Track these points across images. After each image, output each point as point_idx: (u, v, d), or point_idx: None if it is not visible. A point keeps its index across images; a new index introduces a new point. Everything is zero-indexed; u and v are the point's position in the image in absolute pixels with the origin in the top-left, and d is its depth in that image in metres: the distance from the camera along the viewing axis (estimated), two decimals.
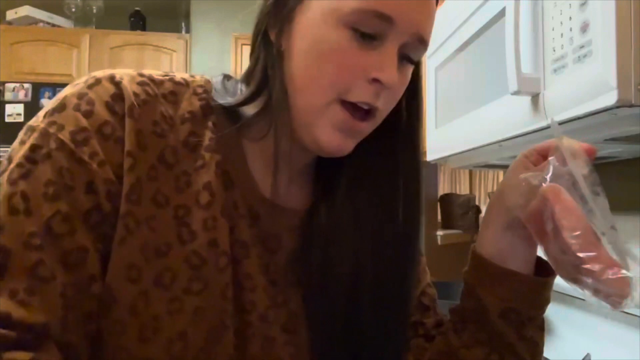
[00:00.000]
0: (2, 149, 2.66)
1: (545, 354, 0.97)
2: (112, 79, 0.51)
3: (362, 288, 0.58)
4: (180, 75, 0.58)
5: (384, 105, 0.54)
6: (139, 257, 0.48)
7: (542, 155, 0.56)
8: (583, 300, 1.06)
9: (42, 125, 0.48)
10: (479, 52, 1.01)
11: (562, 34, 0.72)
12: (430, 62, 1.31)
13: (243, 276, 0.54)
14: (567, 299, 1.13)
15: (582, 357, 0.95)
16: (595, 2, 0.65)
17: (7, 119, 2.73)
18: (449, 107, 1.18)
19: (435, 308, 0.68)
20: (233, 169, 0.54)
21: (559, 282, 1.15)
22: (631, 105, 0.62)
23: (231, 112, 0.55)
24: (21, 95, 2.75)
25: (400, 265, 0.60)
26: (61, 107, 0.49)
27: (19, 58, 3.08)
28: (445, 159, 1.28)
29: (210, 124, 0.55)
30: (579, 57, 0.68)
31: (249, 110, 0.55)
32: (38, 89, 2.74)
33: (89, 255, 0.46)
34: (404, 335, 0.62)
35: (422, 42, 0.54)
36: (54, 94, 2.72)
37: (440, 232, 3.60)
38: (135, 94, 0.51)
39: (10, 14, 3.15)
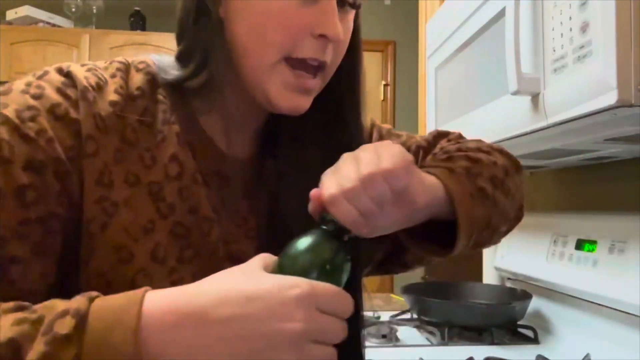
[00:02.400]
0: None
1: (545, 354, 0.97)
2: (59, 69, 0.51)
3: None
4: (118, 58, 0.58)
5: (333, 59, 0.55)
6: (125, 237, 0.49)
7: None
8: (583, 300, 1.06)
9: None
10: (479, 52, 1.01)
11: (562, 34, 0.72)
12: (430, 62, 1.31)
13: (226, 233, 0.55)
14: (567, 299, 1.13)
15: (582, 357, 0.95)
16: (595, 2, 0.65)
17: None
18: (449, 107, 1.18)
19: None
20: (195, 138, 0.55)
21: (558, 282, 1.15)
22: (631, 105, 0.62)
23: (176, 86, 0.56)
24: None
25: None
26: (7, 91, 0.48)
27: (19, 58, 3.07)
28: None
29: (160, 97, 0.55)
30: (579, 57, 0.68)
31: (192, 83, 0.55)
32: None
33: (7, 239, 0.44)
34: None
35: None
36: None
37: None
38: (87, 78, 0.51)
39: (10, 14, 3.15)
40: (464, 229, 0.55)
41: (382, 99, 3.56)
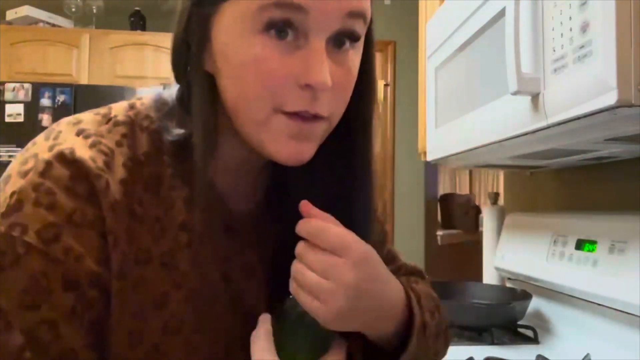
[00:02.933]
0: (2, 149, 2.66)
1: (545, 354, 0.97)
2: (62, 157, 0.46)
3: None
4: (118, 110, 0.53)
5: (332, 108, 0.49)
6: (133, 322, 0.48)
7: None
8: (583, 300, 1.06)
9: (2, 228, 0.44)
10: (479, 52, 1.01)
11: (562, 34, 0.72)
12: (430, 62, 1.31)
13: (239, 291, 0.55)
14: (567, 299, 1.13)
15: (582, 357, 0.95)
16: (595, 2, 0.65)
17: (7, 119, 2.72)
18: (449, 107, 1.18)
19: None
20: (204, 198, 0.51)
21: (558, 282, 1.15)
22: (631, 105, 0.62)
23: (182, 144, 0.52)
24: (21, 95, 2.75)
25: None
26: (19, 205, 0.44)
27: (19, 58, 3.07)
28: (445, 159, 1.27)
29: (165, 158, 0.51)
30: (579, 57, 0.68)
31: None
32: (38, 89, 2.74)
33: (78, 355, 0.45)
34: None
35: (355, 16, 0.47)
36: (53, 94, 2.72)
37: (440, 232, 3.60)
38: (94, 160, 0.47)
39: (10, 14, 3.15)
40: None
41: (382, 99, 3.56)
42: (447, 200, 3.99)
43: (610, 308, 0.97)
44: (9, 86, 2.75)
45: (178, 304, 0.49)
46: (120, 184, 0.48)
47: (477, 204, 4.11)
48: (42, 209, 0.44)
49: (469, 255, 2.68)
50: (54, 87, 2.75)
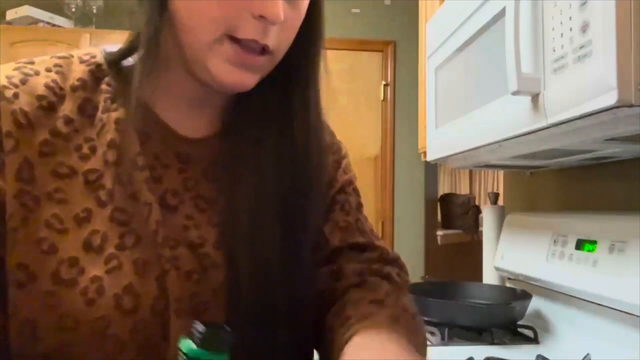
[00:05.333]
0: None
1: (545, 354, 0.97)
2: None
3: (265, 211, 0.56)
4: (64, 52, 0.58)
5: (278, 43, 0.53)
6: (46, 230, 0.48)
7: None
8: (583, 300, 1.06)
9: None
10: (479, 52, 1.01)
11: (562, 34, 0.72)
12: (430, 62, 1.31)
13: (185, 218, 0.54)
14: (567, 299, 1.13)
15: (582, 357, 0.95)
16: (595, 2, 0.65)
17: None
18: (449, 107, 1.18)
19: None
20: (146, 122, 0.54)
21: (558, 282, 1.15)
22: (631, 105, 0.62)
23: (123, 73, 0.55)
24: None
25: (301, 195, 0.58)
26: None
27: (19, 58, 3.07)
28: (445, 159, 1.27)
29: (104, 86, 0.55)
30: (579, 57, 0.68)
31: (140, 67, 0.54)
32: None
33: None
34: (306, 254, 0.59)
35: None
36: None
37: (440, 232, 3.60)
38: (9, 77, 0.51)
39: (10, 14, 3.14)
40: None
41: (382, 99, 3.56)
42: (447, 200, 3.99)
43: (610, 308, 0.97)
44: None
45: (102, 221, 0.50)
46: (37, 99, 0.51)
47: (477, 204, 4.10)
48: None
49: (469, 255, 2.68)
50: None
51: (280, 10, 0.49)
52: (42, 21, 3.18)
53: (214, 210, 0.56)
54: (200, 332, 0.41)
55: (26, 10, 3.13)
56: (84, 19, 3.28)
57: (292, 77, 0.59)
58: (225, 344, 0.42)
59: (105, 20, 3.29)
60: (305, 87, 0.59)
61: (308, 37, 0.58)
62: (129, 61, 0.56)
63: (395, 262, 0.66)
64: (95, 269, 0.48)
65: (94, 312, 0.47)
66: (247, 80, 0.53)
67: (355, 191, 0.69)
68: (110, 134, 0.52)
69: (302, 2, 0.54)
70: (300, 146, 0.58)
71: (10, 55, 3.06)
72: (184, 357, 0.41)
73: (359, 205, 0.68)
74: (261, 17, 0.49)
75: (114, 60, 0.57)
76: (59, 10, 3.24)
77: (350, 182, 0.68)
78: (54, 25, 3.21)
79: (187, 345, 0.41)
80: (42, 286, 0.47)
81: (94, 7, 3.28)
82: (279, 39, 0.53)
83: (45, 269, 0.48)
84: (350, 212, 0.66)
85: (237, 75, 0.52)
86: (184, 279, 0.51)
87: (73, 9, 3.25)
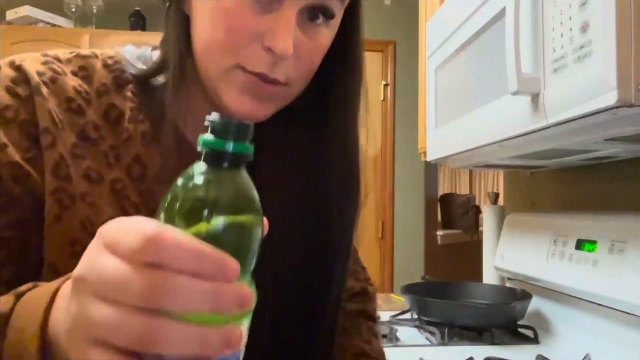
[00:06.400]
0: None
1: (545, 354, 0.97)
2: (11, 63, 0.50)
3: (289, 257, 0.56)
4: (87, 49, 0.57)
5: (293, 76, 0.50)
6: (80, 232, 0.48)
7: None
8: (583, 300, 1.06)
9: None
10: (479, 52, 1.01)
11: (562, 34, 0.72)
12: (430, 62, 1.31)
13: None
14: (567, 299, 1.13)
15: (582, 357, 0.95)
16: (595, 2, 0.65)
17: None
18: (449, 107, 1.18)
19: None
20: (166, 137, 0.53)
21: (558, 282, 1.15)
22: (631, 105, 0.62)
23: (145, 82, 0.55)
24: None
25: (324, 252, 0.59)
26: None
27: None
28: (445, 159, 1.27)
29: (128, 94, 0.54)
30: (579, 57, 0.68)
31: (160, 80, 0.55)
32: None
33: None
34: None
35: None
36: None
37: (440, 232, 3.59)
38: (40, 74, 0.50)
39: (10, 14, 3.14)
40: None
41: (382, 99, 3.56)
42: (447, 200, 3.99)
43: (610, 308, 0.97)
44: None
45: None
46: (66, 102, 0.51)
47: (477, 204, 4.10)
48: None
49: (469, 255, 2.68)
50: None
51: (289, 45, 0.47)
52: (42, 21, 3.18)
53: None
54: (215, 121, 0.33)
55: (26, 10, 3.13)
56: (84, 19, 3.28)
57: (329, 117, 0.57)
58: (246, 133, 0.33)
59: (105, 20, 3.29)
60: (343, 130, 0.58)
61: (344, 75, 0.56)
62: (141, 68, 0.56)
63: (369, 314, 0.72)
64: None
65: None
66: (260, 111, 0.51)
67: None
68: (136, 148, 0.52)
69: (321, 33, 0.51)
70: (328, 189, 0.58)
71: (10, 55, 3.06)
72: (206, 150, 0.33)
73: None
74: (269, 49, 0.47)
75: (142, 77, 0.55)
76: (59, 10, 3.24)
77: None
78: (54, 25, 3.20)
79: (202, 139, 0.33)
80: None
81: (94, 7, 3.28)
82: (295, 72, 0.50)
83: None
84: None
85: (248, 105, 0.50)
86: None
87: (73, 9, 3.24)
